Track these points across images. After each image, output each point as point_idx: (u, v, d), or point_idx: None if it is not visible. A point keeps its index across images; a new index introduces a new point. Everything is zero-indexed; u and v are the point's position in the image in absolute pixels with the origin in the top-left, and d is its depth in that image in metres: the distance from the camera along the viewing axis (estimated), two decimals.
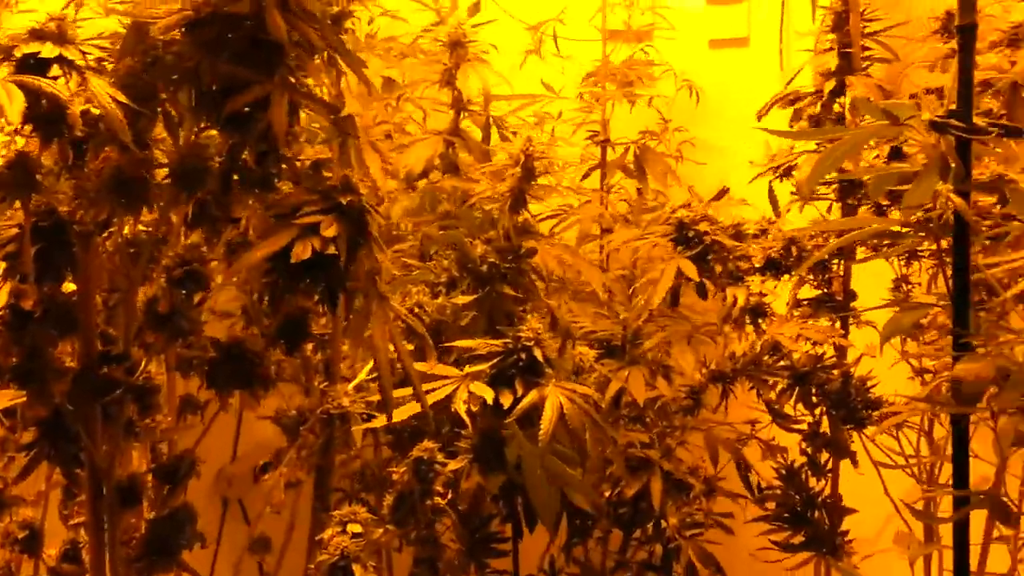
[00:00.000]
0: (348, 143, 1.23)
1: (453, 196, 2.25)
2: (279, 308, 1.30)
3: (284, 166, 1.17)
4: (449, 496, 1.47)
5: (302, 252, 1.09)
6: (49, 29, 1.10)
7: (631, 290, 2.34)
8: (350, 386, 1.62)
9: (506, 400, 1.44)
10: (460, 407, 1.41)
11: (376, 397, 1.60)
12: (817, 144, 1.84)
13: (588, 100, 2.53)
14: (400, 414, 1.42)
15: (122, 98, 1.07)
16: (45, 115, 1.08)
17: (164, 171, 1.15)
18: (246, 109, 1.11)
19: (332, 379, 1.63)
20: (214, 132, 1.19)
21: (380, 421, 1.49)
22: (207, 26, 1.12)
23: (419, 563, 1.61)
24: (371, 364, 1.66)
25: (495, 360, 1.47)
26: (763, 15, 2.65)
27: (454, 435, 1.57)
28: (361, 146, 1.24)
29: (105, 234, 1.17)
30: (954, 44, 1.68)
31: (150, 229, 1.26)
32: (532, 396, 1.44)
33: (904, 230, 1.20)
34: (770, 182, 1.98)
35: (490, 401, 1.42)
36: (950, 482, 1.90)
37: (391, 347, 1.20)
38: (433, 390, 1.46)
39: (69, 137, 1.11)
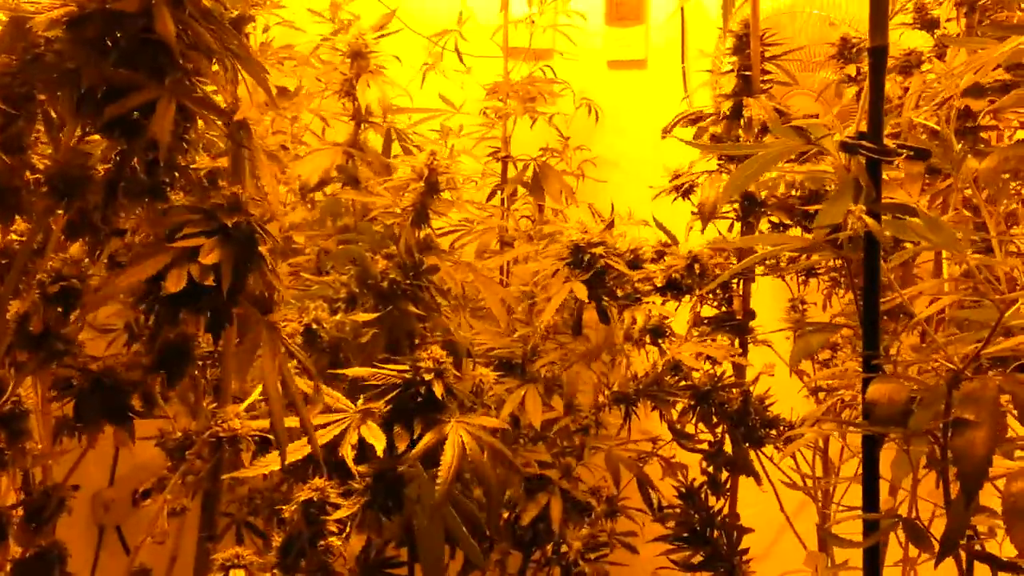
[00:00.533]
0: (241, 153, 1.15)
1: (351, 210, 2.19)
2: (156, 336, 1.21)
3: (177, 175, 1.09)
4: (345, 533, 1.39)
5: (176, 282, 1.00)
6: None
7: (531, 308, 2.32)
8: (241, 407, 1.53)
9: (402, 443, 1.36)
10: (347, 452, 1.32)
11: (266, 422, 1.53)
12: (718, 164, 1.86)
13: (490, 115, 2.51)
14: (292, 454, 1.34)
15: None
16: None
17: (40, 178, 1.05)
18: (135, 114, 1.03)
19: (222, 400, 1.54)
20: (97, 137, 1.10)
21: (273, 462, 1.39)
22: (92, 23, 1.03)
23: None
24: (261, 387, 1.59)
25: (392, 394, 1.39)
26: (661, 38, 2.69)
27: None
28: (257, 156, 1.15)
29: None
30: (849, 70, 1.75)
31: (23, 239, 1.15)
32: (429, 438, 1.36)
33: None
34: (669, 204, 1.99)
35: (380, 450, 1.33)
36: (847, 501, 1.96)
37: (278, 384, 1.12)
38: (325, 425, 1.38)
39: None
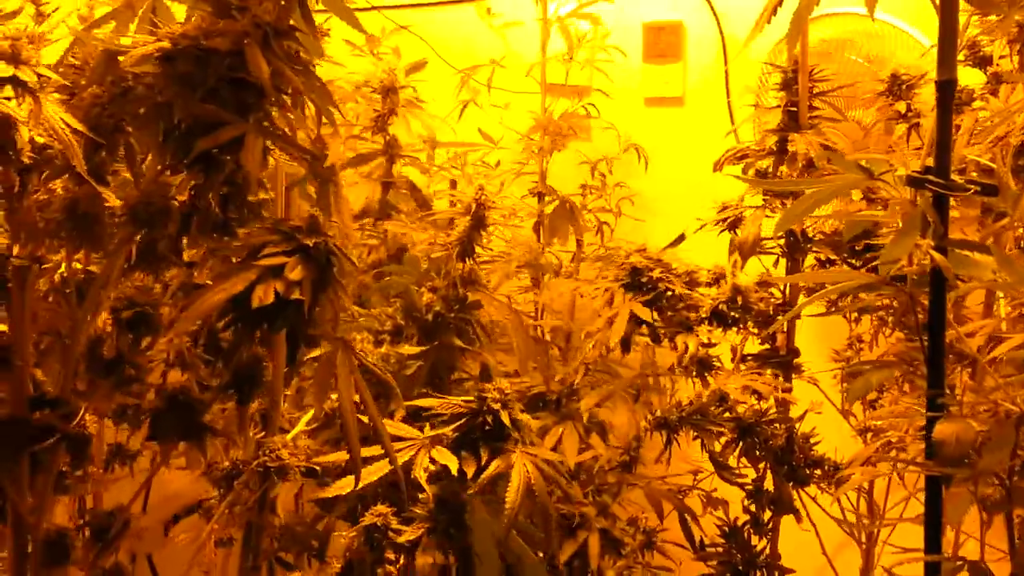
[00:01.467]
0: (328, 188, 1.16)
1: (385, 242, 2.19)
2: (233, 356, 1.22)
3: (247, 211, 1.10)
4: (401, 563, 1.38)
5: (264, 295, 1.01)
6: (2, 48, 1.02)
7: (567, 341, 2.31)
8: (288, 436, 1.52)
9: (470, 468, 1.36)
10: (420, 474, 1.32)
11: (315, 448, 1.53)
12: (764, 199, 1.85)
13: (532, 150, 2.52)
14: (366, 476, 1.34)
15: (78, 126, 0.99)
16: None
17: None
18: (214, 150, 1.04)
19: (269, 429, 1.54)
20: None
21: (347, 483, 1.39)
22: (183, 59, 1.05)
23: None
24: (310, 414, 1.58)
25: (459, 423, 1.39)
26: (698, 75, 2.70)
27: (399, 496, 1.50)
28: (340, 193, 1.17)
29: (39, 271, 1.08)
30: (899, 106, 1.74)
31: (91, 268, 1.17)
32: (498, 464, 1.37)
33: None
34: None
35: (455, 470, 1.34)
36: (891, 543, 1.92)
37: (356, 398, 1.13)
38: (397, 450, 1.38)
39: (16, 163, 1.02)
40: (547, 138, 2.51)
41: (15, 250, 1.05)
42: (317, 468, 1.53)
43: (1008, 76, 1.60)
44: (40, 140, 0.99)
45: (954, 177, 1.08)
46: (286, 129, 1.15)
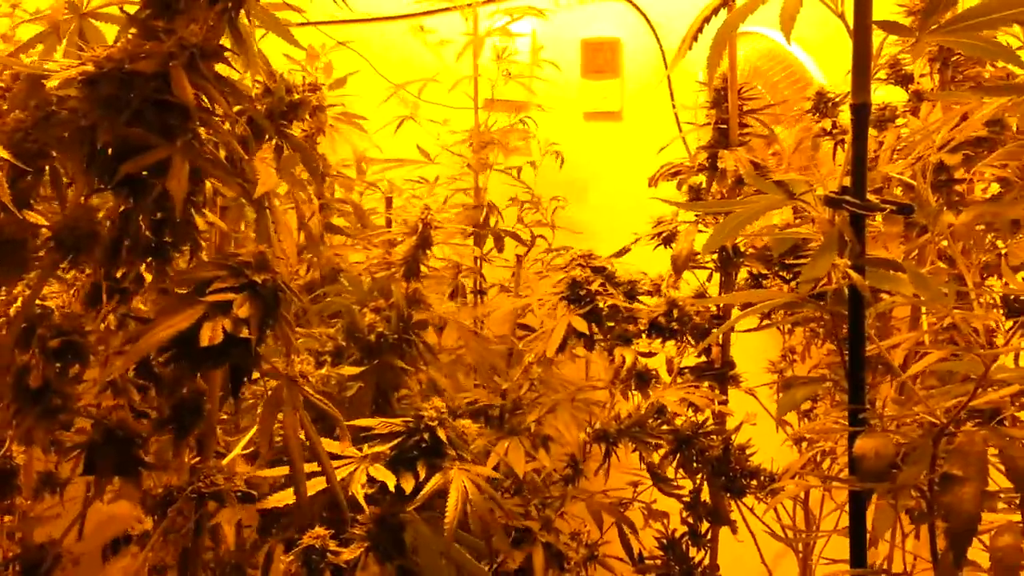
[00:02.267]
0: (265, 215, 1.16)
1: (318, 263, 2.18)
2: (175, 390, 1.22)
3: (182, 235, 1.10)
4: None
5: (213, 335, 1.01)
6: None
7: (508, 357, 2.32)
8: (224, 462, 1.51)
9: (407, 484, 1.37)
10: (358, 491, 1.33)
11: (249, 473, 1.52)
12: (695, 216, 1.88)
13: (465, 167, 2.53)
14: (283, 498, 1.34)
15: (3, 153, 0.98)
16: None
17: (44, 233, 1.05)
18: (143, 173, 1.04)
19: (205, 455, 1.52)
20: (100, 196, 1.10)
21: (285, 496, 1.39)
22: (107, 83, 1.04)
23: None
24: (246, 438, 1.57)
25: (396, 440, 1.40)
26: (635, 90, 2.74)
27: (333, 520, 1.50)
28: (279, 218, 1.17)
29: None
30: (825, 124, 1.78)
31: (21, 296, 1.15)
32: (436, 480, 1.37)
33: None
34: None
35: (391, 486, 1.35)
36: (828, 552, 1.96)
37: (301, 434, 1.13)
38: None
39: None
40: (485, 152, 2.52)
41: None
42: (254, 493, 1.52)
43: (928, 95, 1.65)
44: None
45: (870, 197, 1.11)
46: (217, 152, 1.14)
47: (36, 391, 1.07)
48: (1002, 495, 1.16)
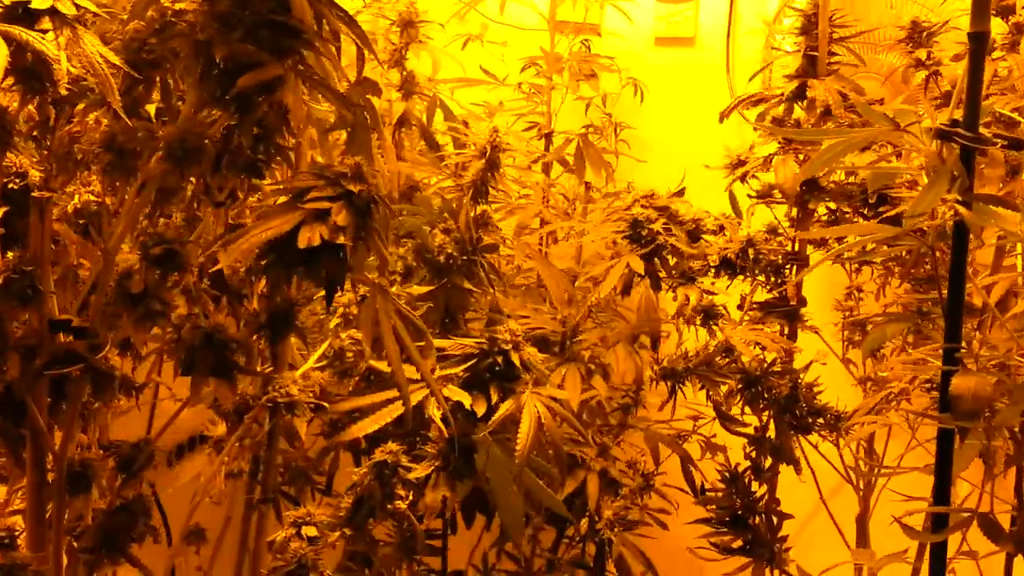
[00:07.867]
0: (358, 134, 1.16)
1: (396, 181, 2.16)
2: (274, 295, 1.24)
3: (274, 153, 1.11)
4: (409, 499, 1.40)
5: (311, 238, 1.03)
6: None
7: (571, 284, 2.30)
8: (297, 373, 1.53)
9: (480, 407, 1.37)
10: (435, 413, 1.34)
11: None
12: (779, 147, 1.83)
13: (527, 90, 2.47)
14: (384, 416, 1.35)
15: (115, 60, 0.98)
16: (29, 69, 1.00)
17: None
18: (250, 91, 1.04)
19: (278, 366, 1.54)
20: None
21: (365, 426, 1.42)
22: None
23: (353, 557, 1.55)
24: (319, 352, 1.59)
25: (470, 363, 1.40)
26: (711, 15, 2.65)
27: (411, 437, 1.51)
28: (382, 135, 1.17)
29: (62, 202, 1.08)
30: (919, 54, 1.71)
31: (98, 200, 1.15)
32: (508, 405, 1.38)
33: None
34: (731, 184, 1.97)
35: (468, 407, 1.36)
36: (887, 491, 1.94)
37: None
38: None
39: (53, 95, 1.01)
40: (557, 77, 2.47)
41: (46, 181, 1.04)
42: (325, 404, 1.54)
43: None
44: (74, 72, 0.97)
45: (982, 130, 1.07)
46: (322, 73, 1.14)
47: (137, 296, 1.09)
48: None
